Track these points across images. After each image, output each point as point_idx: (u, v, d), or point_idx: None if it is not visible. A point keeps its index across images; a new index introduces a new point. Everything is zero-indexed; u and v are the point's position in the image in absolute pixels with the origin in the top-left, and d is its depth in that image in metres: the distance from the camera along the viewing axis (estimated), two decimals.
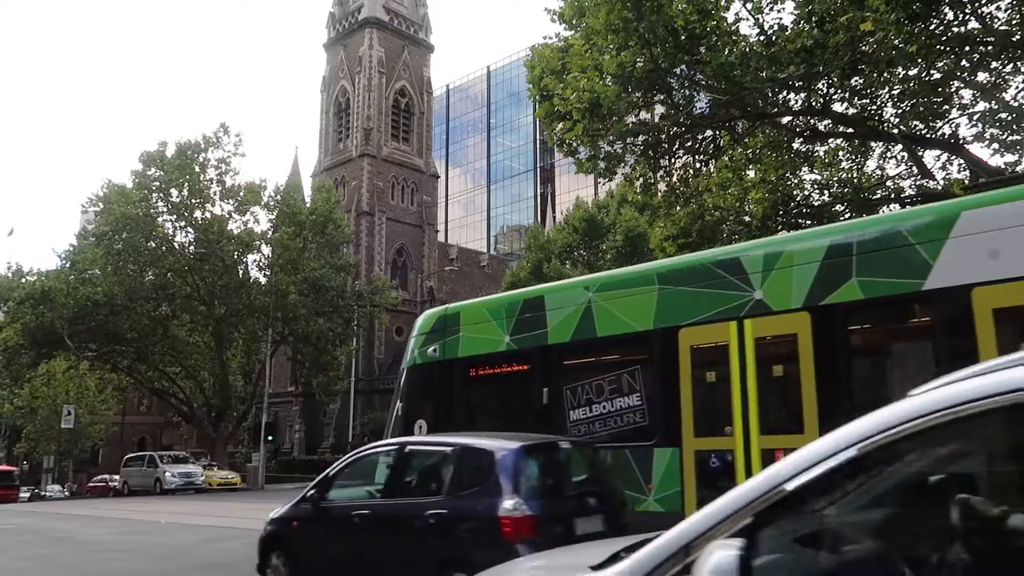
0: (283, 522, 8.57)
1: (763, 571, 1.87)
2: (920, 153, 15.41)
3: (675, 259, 10.50)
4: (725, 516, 1.98)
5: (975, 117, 14.25)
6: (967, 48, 12.65)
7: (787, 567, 1.97)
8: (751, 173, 17.31)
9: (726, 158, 16.72)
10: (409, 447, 8.29)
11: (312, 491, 8.34)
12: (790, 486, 1.92)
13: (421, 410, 10.51)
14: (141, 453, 43.78)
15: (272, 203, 37.49)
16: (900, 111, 14.68)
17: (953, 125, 15.07)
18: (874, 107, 15.00)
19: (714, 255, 8.84)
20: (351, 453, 9.03)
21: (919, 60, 12.39)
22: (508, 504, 6.48)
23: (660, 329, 8.38)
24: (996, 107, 13.80)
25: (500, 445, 7.18)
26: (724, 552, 1.87)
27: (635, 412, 8.44)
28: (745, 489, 2.01)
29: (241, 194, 36.14)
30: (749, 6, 13.83)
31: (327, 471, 8.64)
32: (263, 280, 38.96)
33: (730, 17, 14.12)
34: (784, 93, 14.69)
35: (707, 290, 8.19)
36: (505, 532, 6.40)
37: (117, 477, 45.96)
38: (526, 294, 10.56)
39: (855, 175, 17.59)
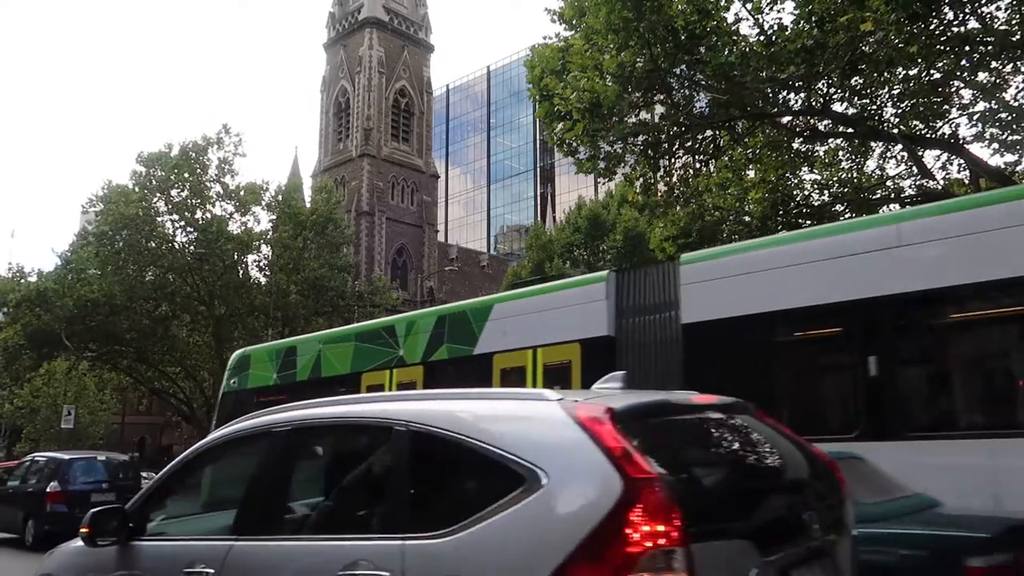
0: None
1: (158, 526, 3.76)
2: (920, 153, 15.41)
3: (365, 323, 14.64)
4: (143, 494, 3.90)
5: (975, 117, 14.24)
6: (967, 48, 12.64)
7: (164, 522, 3.81)
8: (751, 173, 17.30)
9: (726, 158, 16.71)
10: (36, 456, 17.33)
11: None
12: (166, 477, 3.94)
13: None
14: None
15: (273, 203, 37.42)
16: (900, 111, 14.69)
17: (953, 125, 15.09)
18: (874, 107, 14.99)
19: (381, 323, 12.88)
20: (18, 462, 18.94)
21: (919, 60, 12.39)
22: (51, 485, 14.84)
23: (352, 373, 11.95)
24: (996, 107, 13.80)
25: (66, 457, 16.23)
26: (95, 509, 3.66)
27: None
28: (153, 480, 4.01)
29: (242, 194, 36.06)
30: (749, 6, 13.81)
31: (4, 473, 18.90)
32: (263, 280, 38.89)
33: (730, 17, 14.11)
34: (784, 93, 14.68)
35: (378, 347, 11.77)
36: (48, 500, 14.54)
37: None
38: (287, 343, 15.02)
39: (855, 175, 17.60)
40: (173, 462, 3.94)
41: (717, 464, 2.87)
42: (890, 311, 6.76)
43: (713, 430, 3.02)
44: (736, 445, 3.07)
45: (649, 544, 2.15)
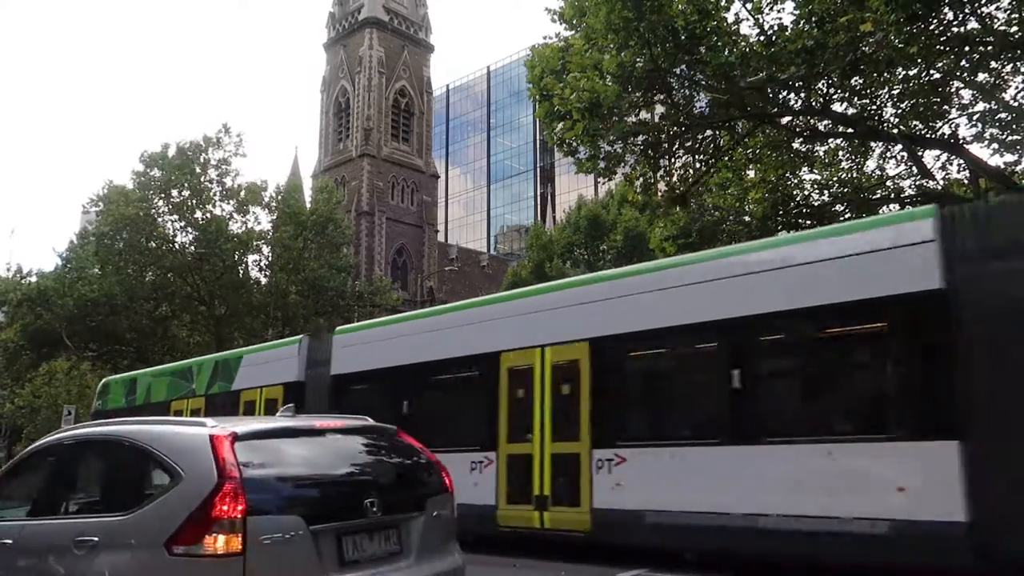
0: None
1: None
2: (920, 153, 15.40)
3: (179, 363, 18.93)
4: None
5: (975, 117, 14.26)
6: (967, 48, 12.64)
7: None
8: (751, 173, 17.31)
9: (726, 158, 16.71)
10: None
11: None
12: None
13: None
14: None
15: (273, 203, 37.36)
16: (900, 111, 14.68)
17: (953, 125, 15.09)
18: (874, 107, 14.99)
19: (187, 363, 17.59)
20: None
21: (919, 60, 12.40)
22: None
23: (167, 400, 16.61)
24: (996, 107, 13.81)
25: None
26: None
27: None
28: None
29: (242, 194, 36.00)
30: (749, 6, 13.81)
31: None
32: (263, 280, 38.87)
33: (730, 17, 14.11)
34: (784, 93, 14.67)
35: (183, 381, 16.61)
36: None
37: None
38: (132, 376, 19.89)
39: (855, 175, 17.60)
40: (5, 466, 5.39)
41: (299, 467, 4.20)
42: (415, 374, 11.10)
43: (318, 446, 4.43)
44: (329, 455, 4.46)
45: (223, 516, 3.62)
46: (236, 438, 3.94)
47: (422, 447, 4.93)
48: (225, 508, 3.63)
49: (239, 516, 3.63)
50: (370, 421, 4.98)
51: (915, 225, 7.11)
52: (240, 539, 3.61)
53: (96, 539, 3.89)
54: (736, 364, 7.90)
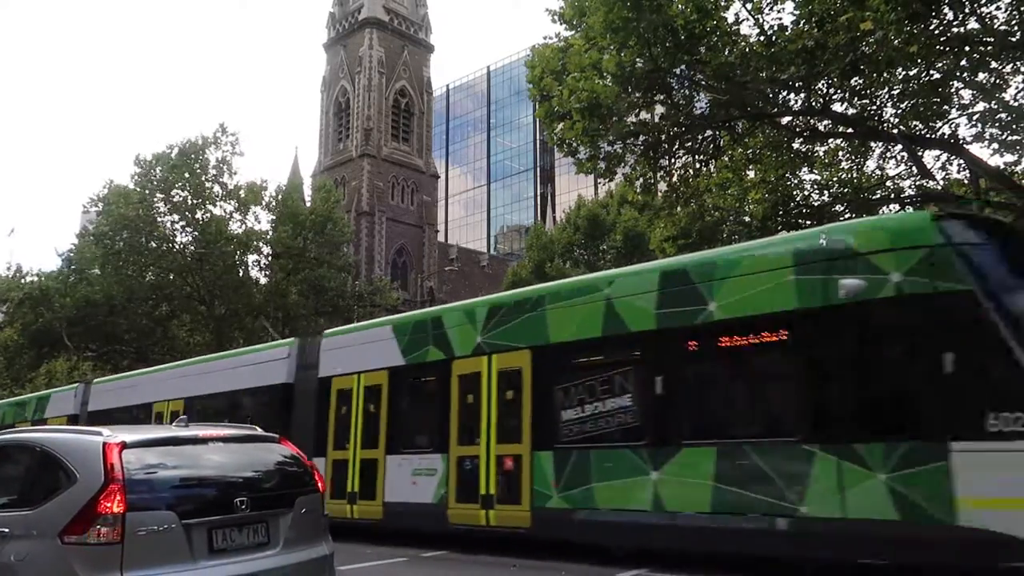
0: None
1: None
2: (920, 153, 15.39)
3: (20, 397, 26.09)
4: None
5: (975, 117, 14.24)
6: (967, 48, 12.63)
7: None
8: (751, 173, 17.29)
9: (726, 158, 16.70)
10: None
11: None
12: None
13: None
14: None
15: (273, 203, 37.33)
16: (900, 111, 14.67)
17: (953, 125, 15.07)
18: (874, 107, 14.98)
19: (23, 399, 25.37)
20: None
21: (919, 60, 12.39)
22: None
23: (14, 423, 21.66)
24: (996, 107, 13.79)
25: None
26: None
27: None
28: None
29: (242, 194, 35.96)
30: (749, 6, 13.80)
31: None
32: (263, 280, 38.88)
33: (730, 17, 14.10)
34: (784, 93, 14.67)
35: (21, 410, 23.13)
36: None
37: None
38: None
39: (855, 175, 17.59)
40: None
41: (179, 471, 4.85)
42: (128, 412, 17.17)
43: (199, 452, 5.06)
44: (208, 460, 5.07)
45: (106, 512, 4.34)
46: (125, 446, 4.64)
47: (299, 453, 5.63)
48: (108, 505, 4.35)
49: (120, 512, 4.35)
50: (258, 431, 5.68)
51: (283, 349, 14.27)
52: (119, 531, 4.32)
53: (7, 530, 4.60)
54: (246, 414, 13.78)
